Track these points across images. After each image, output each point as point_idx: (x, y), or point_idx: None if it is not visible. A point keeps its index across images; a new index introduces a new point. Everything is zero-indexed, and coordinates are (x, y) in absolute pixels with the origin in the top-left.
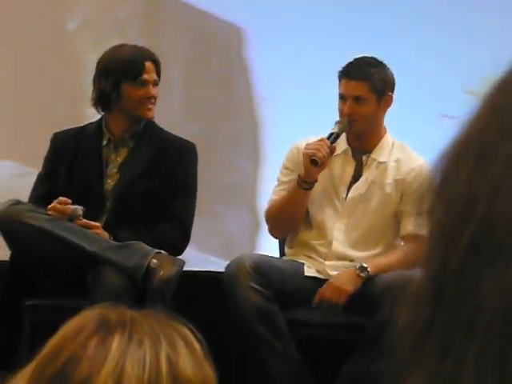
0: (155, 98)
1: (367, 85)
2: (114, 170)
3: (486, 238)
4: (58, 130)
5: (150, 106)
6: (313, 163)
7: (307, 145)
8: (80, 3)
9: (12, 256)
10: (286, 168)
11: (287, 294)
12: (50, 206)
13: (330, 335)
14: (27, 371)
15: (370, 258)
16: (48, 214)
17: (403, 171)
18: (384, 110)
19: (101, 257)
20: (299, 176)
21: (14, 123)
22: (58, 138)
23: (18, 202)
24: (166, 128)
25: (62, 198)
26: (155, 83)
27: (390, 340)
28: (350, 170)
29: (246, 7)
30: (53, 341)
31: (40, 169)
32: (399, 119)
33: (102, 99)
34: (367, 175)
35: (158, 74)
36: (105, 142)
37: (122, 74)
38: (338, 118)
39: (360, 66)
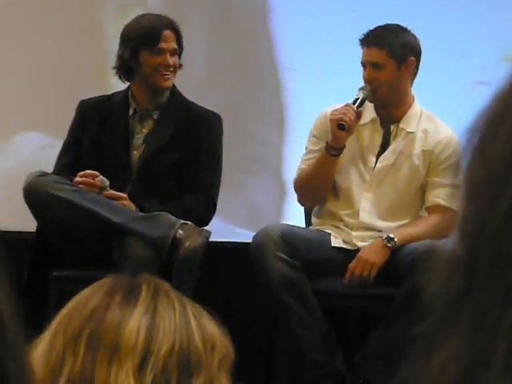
0: (174, 66)
1: (384, 51)
2: (140, 142)
3: None
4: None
5: (167, 75)
6: (340, 128)
7: (333, 110)
8: None
9: (38, 228)
10: (314, 136)
11: (314, 264)
12: (78, 180)
13: (358, 305)
14: (47, 331)
15: (396, 228)
16: (74, 186)
17: (431, 142)
18: (407, 76)
19: (126, 228)
20: (327, 143)
21: (39, 94)
22: (84, 106)
23: (45, 174)
24: (189, 97)
25: (89, 171)
26: (174, 52)
27: (420, 309)
28: (378, 139)
29: None
30: (75, 298)
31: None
32: (433, 86)
33: (123, 68)
34: (395, 145)
35: (179, 43)
36: (131, 113)
37: (140, 42)
38: (361, 85)
39: (377, 32)
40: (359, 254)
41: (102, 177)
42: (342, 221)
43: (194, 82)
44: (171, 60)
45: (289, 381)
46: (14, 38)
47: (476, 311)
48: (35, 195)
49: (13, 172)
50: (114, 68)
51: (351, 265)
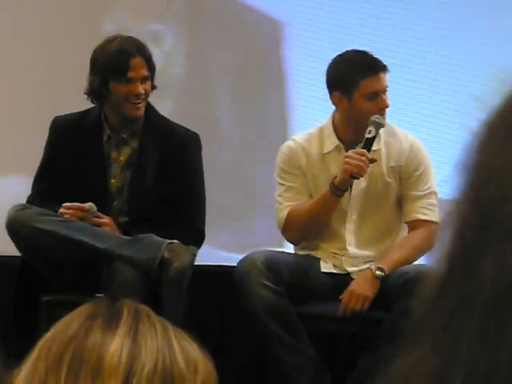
0: (144, 94)
1: (386, 74)
2: (118, 171)
3: (494, 214)
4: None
5: (137, 104)
6: (353, 177)
7: (348, 158)
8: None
9: (23, 259)
10: (287, 173)
11: (302, 289)
12: (64, 211)
13: (347, 329)
14: (30, 357)
15: (384, 256)
16: (57, 216)
17: (396, 156)
18: None
19: (114, 253)
20: (333, 184)
21: (23, 137)
22: (58, 125)
23: (25, 207)
24: (201, 119)
25: (76, 204)
26: (145, 79)
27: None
28: None
29: (286, 2)
30: (56, 323)
31: None
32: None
33: (93, 94)
34: None
35: (150, 68)
36: (105, 138)
37: (108, 72)
38: (377, 120)
39: (377, 59)
40: (350, 288)
41: (89, 204)
42: (330, 250)
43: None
44: (142, 88)
45: None
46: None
47: (444, 317)
48: (18, 229)
49: None
50: (85, 93)
51: (344, 299)
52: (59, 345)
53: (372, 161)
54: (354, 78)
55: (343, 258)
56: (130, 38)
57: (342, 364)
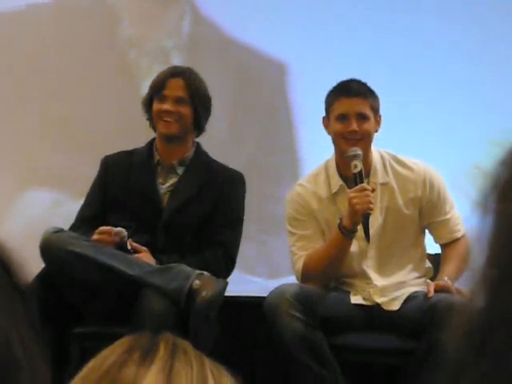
0: (178, 114)
1: (368, 102)
2: (163, 192)
3: None
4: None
5: (165, 121)
6: (367, 214)
7: (354, 198)
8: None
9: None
10: (298, 220)
11: (335, 321)
12: (95, 238)
13: (380, 360)
14: None
15: (441, 273)
16: (90, 241)
17: (412, 187)
18: (376, 131)
19: (143, 281)
20: (344, 228)
21: (50, 151)
22: (110, 160)
23: (60, 230)
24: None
25: (104, 228)
26: (180, 100)
27: (439, 363)
28: None
29: (289, 43)
30: (95, 357)
31: (78, 196)
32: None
33: (148, 118)
34: (377, 203)
35: (190, 91)
36: (154, 164)
37: (151, 90)
38: (351, 153)
39: (357, 84)
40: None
41: (117, 229)
42: (356, 285)
43: (215, 141)
44: (173, 107)
45: None
46: (28, 97)
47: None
48: (52, 251)
49: (23, 231)
50: (147, 119)
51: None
52: (93, 380)
53: (372, 190)
54: (330, 100)
55: (371, 290)
56: (178, 66)
57: None
